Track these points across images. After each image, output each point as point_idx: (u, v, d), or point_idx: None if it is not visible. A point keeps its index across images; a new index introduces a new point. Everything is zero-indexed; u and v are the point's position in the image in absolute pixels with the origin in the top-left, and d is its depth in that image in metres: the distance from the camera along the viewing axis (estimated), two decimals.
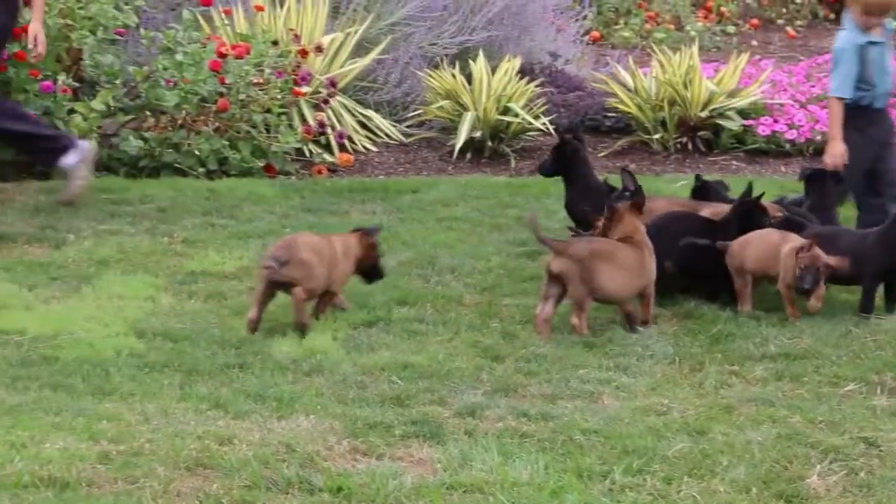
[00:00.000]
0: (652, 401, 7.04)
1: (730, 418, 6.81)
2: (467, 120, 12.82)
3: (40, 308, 8.23)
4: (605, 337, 7.97)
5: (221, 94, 11.80)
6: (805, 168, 9.86)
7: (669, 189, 11.26)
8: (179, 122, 11.71)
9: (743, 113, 13.22)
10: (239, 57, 12.00)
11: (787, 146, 13.06)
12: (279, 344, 7.74)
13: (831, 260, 8.22)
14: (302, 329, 7.81)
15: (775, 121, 13.16)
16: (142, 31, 12.57)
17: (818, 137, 12.94)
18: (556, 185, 10.95)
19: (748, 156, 13.02)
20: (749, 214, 8.66)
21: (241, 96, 11.87)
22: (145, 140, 11.62)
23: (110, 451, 6.13)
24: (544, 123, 13.00)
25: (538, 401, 7.04)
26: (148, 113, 11.88)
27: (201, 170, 11.54)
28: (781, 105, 13.39)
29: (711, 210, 8.99)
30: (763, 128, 13.08)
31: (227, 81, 11.87)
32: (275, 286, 7.87)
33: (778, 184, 11.49)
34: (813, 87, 13.87)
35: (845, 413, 6.86)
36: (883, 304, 8.44)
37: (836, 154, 9.31)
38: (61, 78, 11.58)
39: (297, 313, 7.84)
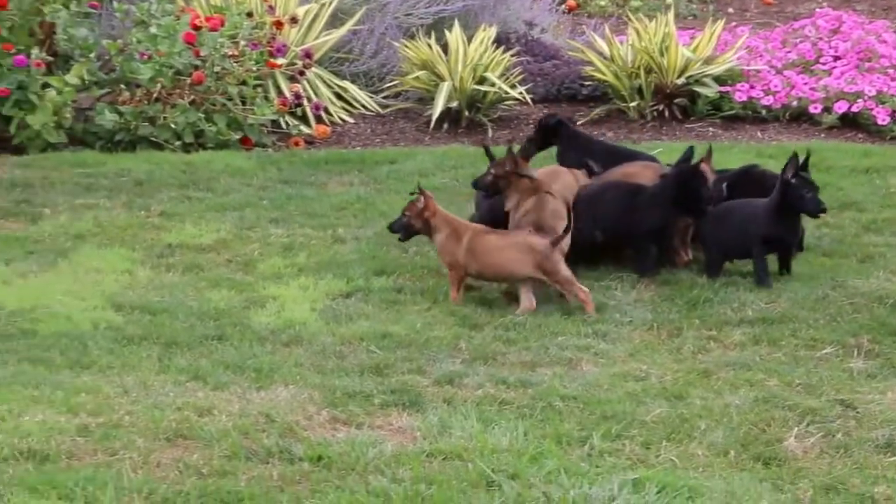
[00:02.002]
0: (630, 367, 7.06)
1: (708, 383, 6.83)
2: (444, 90, 12.79)
3: (17, 282, 8.22)
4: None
5: (196, 67, 11.76)
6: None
7: None
8: (154, 95, 11.67)
9: (719, 80, 13.21)
10: (213, 29, 11.95)
11: (764, 112, 13.07)
12: (258, 315, 7.75)
13: None
14: None
15: (752, 87, 13.16)
16: (115, 3, 12.52)
17: (794, 103, 12.97)
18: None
19: (725, 122, 13.01)
20: (686, 181, 8.57)
21: (217, 69, 11.84)
22: (120, 114, 11.58)
23: (89, 423, 6.14)
24: (521, 92, 12.99)
25: (517, 368, 7.06)
26: (123, 86, 11.83)
27: (177, 143, 11.51)
28: (758, 71, 13.40)
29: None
30: (739, 94, 13.08)
31: (201, 54, 11.83)
32: None
33: (755, 150, 11.51)
34: (789, 52, 13.88)
35: (822, 376, 6.89)
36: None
37: None
38: (35, 52, 11.53)
39: None
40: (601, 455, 5.97)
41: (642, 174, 8.93)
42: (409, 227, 8.27)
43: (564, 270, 7.95)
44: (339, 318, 7.74)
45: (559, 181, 8.83)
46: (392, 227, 8.38)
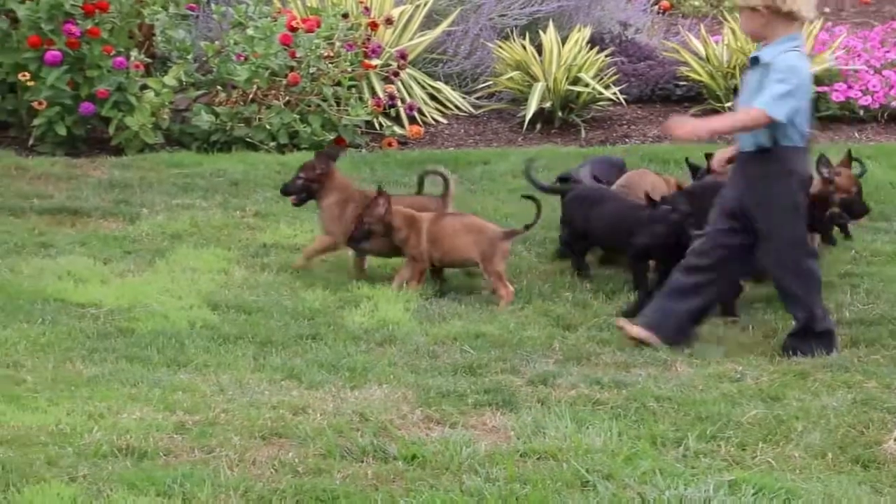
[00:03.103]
0: (725, 367, 7.00)
1: (804, 384, 6.77)
2: (537, 90, 12.78)
3: (115, 281, 8.32)
4: None
5: (292, 68, 11.84)
6: None
7: None
8: (250, 96, 11.76)
9: (817, 79, 13.07)
10: (309, 30, 12.03)
11: (862, 112, 12.93)
12: (351, 315, 7.79)
13: None
14: None
15: (849, 87, 13.02)
16: (213, 6, 12.66)
17: (893, 103, 12.81)
18: (627, 156, 10.97)
19: (821, 122, 12.88)
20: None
21: (312, 70, 11.91)
22: (217, 115, 11.69)
23: (186, 421, 6.18)
24: (614, 93, 12.94)
25: (611, 369, 7.03)
26: (219, 87, 11.95)
27: (272, 143, 11.60)
28: (856, 71, 13.25)
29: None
30: (837, 94, 12.95)
31: (297, 55, 11.91)
32: None
33: (852, 151, 11.35)
34: (888, 52, 13.71)
35: None
36: None
37: None
38: (133, 54, 11.68)
39: None
40: (696, 456, 5.92)
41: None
42: (371, 233, 8.28)
43: (501, 265, 8.07)
44: (433, 317, 7.76)
45: (647, 183, 8.79)
46: (354, 238, 8.36)
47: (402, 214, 8.30)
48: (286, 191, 8.82)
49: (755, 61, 7.16)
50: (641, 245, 7.99)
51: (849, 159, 8.53)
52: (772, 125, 7.02)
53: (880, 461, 5.85)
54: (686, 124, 7.35)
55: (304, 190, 8.70)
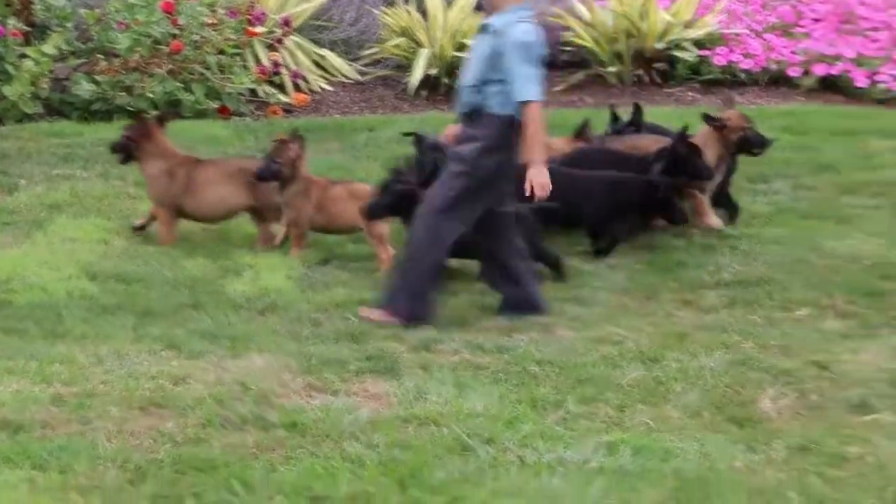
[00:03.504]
0: (606, 331, 7.06)
1: (683, 345, 6.83)
2: (423, 57, 12.77)
3: None
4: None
5: (174, 36, 11.72)
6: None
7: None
8: (132, 64, 11.63)
9: (699, 43, 13.20)
10: None
11: (743, 76, 13.06)
12: (233, 283, 7.74)
13: None
14: None
15: (731, 51, 13.15)
16: None
17: (774, 66, 12.96)
18: None
19: (704, 86, 13.02)
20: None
21: (195, 37, 11.80)
22: (98, 83, 11.54)
23: (63, 393, 6.10)
24: None
25: (493, 334, 7.05)
26: (100, 56, 11.80)
27: (155, 112, 11.46)
28: (737, 35, 13.38)
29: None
30: (719, 58, 13.07)
31: (179, 23, 11.79)
32: None
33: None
34: (769, 16, 13.85)
35: (797, 337, 6.91)
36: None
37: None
38: (12, 22, 11.48)
39: None
40: (576, 419, 5.96)
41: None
42: (279, 174, 8.26)
43: (383, 228, 8.15)
44: (316, 285, 7.73)
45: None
46: (260, 173, 8.32)
47: (307, 175, 8.28)
48: (112, 148, 8.83)
49: (485, 28, 7.24)
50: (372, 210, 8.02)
51: (732, 102, 9.01)
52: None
53: (755, 420, 5.93)
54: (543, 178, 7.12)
55: (123, 149, 8.67)
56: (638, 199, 8.19)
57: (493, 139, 7.13)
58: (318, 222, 8.29)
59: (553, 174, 7.17)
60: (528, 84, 7.06)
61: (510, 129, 7.11)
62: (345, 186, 8.39)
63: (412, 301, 7.19)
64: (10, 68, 11.27)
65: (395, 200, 7.74)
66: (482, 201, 7.21)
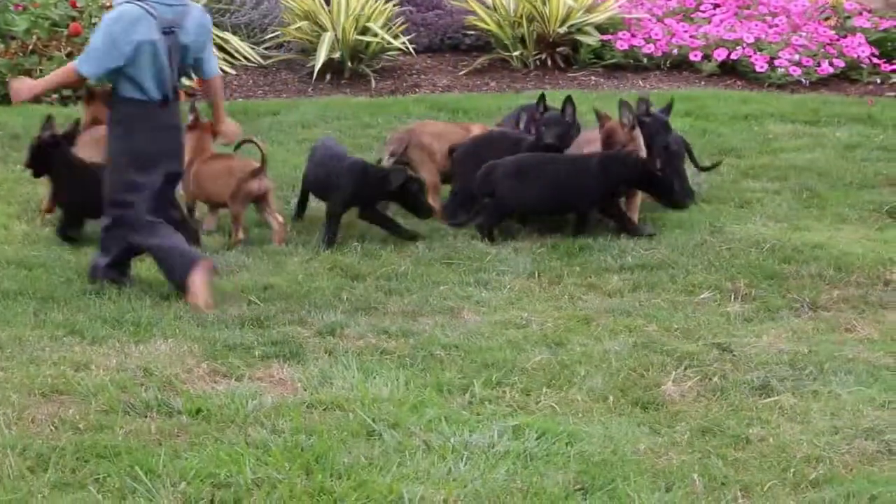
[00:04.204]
0: (511, 314, 7.08)
1: (587, 329, 6.87)
2: (326, 41, 12.72)
3: None
4: (464, 253, 8.00)
5: (73, 19, 11.59)
6: None
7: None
8: (30, 47, 11.48)
9: (601, 28, 13.27)
10: None
11: (645, 60, 13.15)
12: (136, 268, 7.66)
13: None
14: None
15: (633, 35, 13.23)
16: None
17: (674, 51, 13.05)
18: (416, 105, 11.01)
19: (606, 71, 13.10)
20: None
21: (94, 20, 11.67)
22: None
23: None
24: (403, 43, 12.95)
25: (398, 318, 7.05)
26: None
27: (55, 96, 11.33)
28: (639, 20, 13.46)
29: None
30: (621, 42, 13.15)
31: (78, 5, 11.66)
32: None
33: (636, 98, 11.54)
34: (670, 0, 13.95)
35: (700, 320, 6.97)
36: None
37: None
38: None
39: None
40: (482, 403, 5.97)
41: None
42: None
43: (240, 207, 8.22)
44: (220, 270, 7.67)
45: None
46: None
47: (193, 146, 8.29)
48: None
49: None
50: None
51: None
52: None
53: (659, 403, 5.98)
54: (23, 85, 7.65)
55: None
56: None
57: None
58: (195, 194, 8.44)
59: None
60: (85, 54, 7.34)
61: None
62: (223, 161, 8.38)
63: None
64: None
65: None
66: None
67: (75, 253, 7.89)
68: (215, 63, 7.74)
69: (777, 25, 13.22)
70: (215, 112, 7.90)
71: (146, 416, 5.76)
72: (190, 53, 7.40)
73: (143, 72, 7.24)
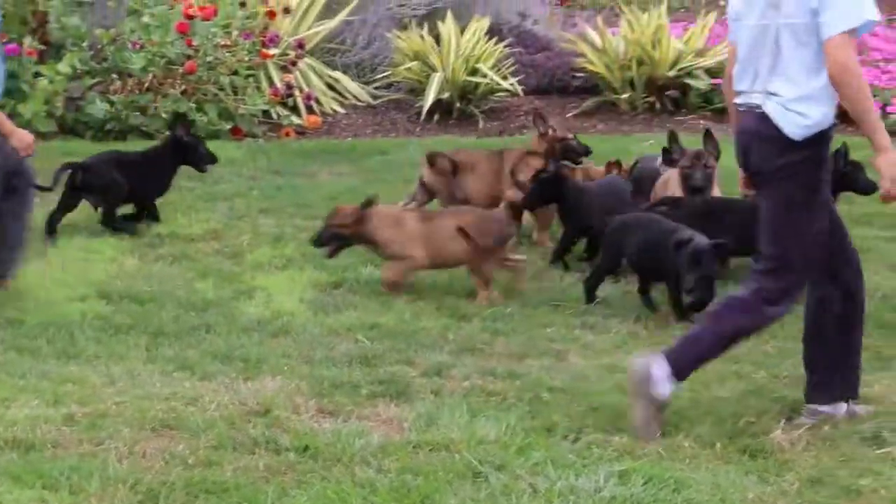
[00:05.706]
0: (618, 358, 7.04)
1: (695, 374, 6.78)
2: (435, 81, 12.80)
3: None
4: (571, 296, 7.99)
5: (188, 57, 11.76)
6: None
7: (638, 148, 11.25)
8: (146, 84, 11.67)
9: (711, 72, 13.22)
10: (206, 19, 11.95)
11: None
12: (245, 306, 7.74)
13: None
14: None
15: None
16: None
17: None
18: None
19: (715, 115, 13.02)
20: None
21: (209, 58, 11.83)
22: (112, 103, 11.58)
23: (75, 413, 6.10)
24: (512, 84, 12.99)
25: (504, 359, 7.04)
26: (114, 76, 11.84)
27: (168, 133, 11.48)
28: None
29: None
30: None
31: (194, 43, 11.83)
32: None
33: None
34: None
35: None
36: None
37: None
38: (27, 40, 11.52)
39: None
40: (588, 447, 5.94)
41: None
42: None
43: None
44: (328, 308, 7.73)
45: None
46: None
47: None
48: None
49: None
50: None
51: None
52: None
53: (767, 451, 5.91)
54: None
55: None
56: None
57: None
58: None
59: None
60: None
61: None
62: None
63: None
64: (25, 87, 11.32)
65: None
66: None
67: (186, 288, 7.99)
68: None
69: (890, 71, 13.07)
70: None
71: (254, 453, 5.79)
72: None
73: None
